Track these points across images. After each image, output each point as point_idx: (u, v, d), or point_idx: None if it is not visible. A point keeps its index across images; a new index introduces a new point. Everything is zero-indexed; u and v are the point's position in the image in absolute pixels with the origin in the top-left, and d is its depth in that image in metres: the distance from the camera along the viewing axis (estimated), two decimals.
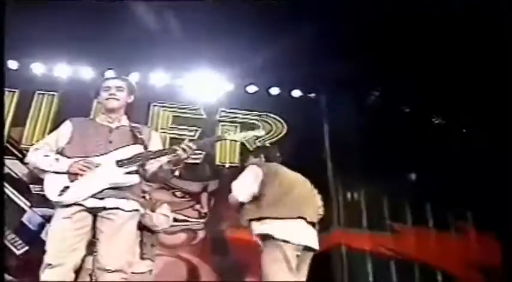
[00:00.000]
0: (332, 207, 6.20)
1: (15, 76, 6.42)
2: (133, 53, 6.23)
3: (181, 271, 6.10)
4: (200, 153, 6.77)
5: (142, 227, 4.15)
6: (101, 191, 2.88)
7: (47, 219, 5.58)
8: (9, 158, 6.18)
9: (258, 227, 3.73)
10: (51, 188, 2.89)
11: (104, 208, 2.87)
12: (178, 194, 6.43)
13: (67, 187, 2.85)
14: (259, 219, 3.72)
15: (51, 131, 6.19)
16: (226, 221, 6.30)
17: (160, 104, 6.94)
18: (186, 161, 2.97)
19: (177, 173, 2.98)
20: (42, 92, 6.76)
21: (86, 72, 6.78)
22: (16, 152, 6.28)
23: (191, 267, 6.16)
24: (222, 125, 7.00)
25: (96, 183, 2.88)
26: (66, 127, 3.06)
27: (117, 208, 2.89)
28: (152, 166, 2.99)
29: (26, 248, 5.78)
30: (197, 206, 6.42)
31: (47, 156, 2.95)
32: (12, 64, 6.59)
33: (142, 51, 6.11)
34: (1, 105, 3.82)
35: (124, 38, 5.78)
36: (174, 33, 5.67)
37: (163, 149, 3.02)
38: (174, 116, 6.94)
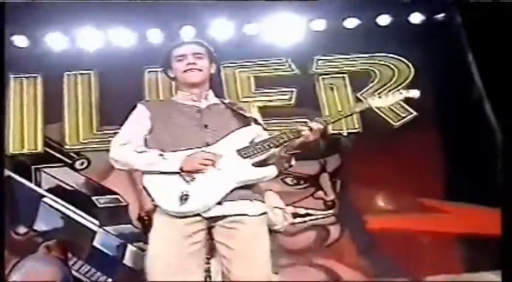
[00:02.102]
0: None
1: (29, 56, 5.52)
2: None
3: None
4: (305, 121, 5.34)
5: None
6: (229, 194, 2.48)
7: (126, 238, 5.00)
8: (54, 166, 5.41)
9: None
10: (165, 195, 2.47)
11: (224, 216, 2.47)
12: (289, 180, 5.38)
13: (186, 195, 2.44)
14: None
15: (102, 122, 5.43)
16: (362, 208, 5.27)
17: (232, 63, 5.75)
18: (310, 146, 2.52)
19: (293, 162, 2.60)
20: (73, 72, 5.71)
21: (124, 36, 5.61)
22: (62, 157, 5.45)
23: (332, 277, 5.10)
24: (324, 79, 5.73)
25: (223, 184, 2.48)
26: (142, 113, 2.68)
27: (244, 214, 2.49)
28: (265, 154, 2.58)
29: (109, 280, 4.94)
30: (319, 193, 5.40)
31: (143, 152, 2.56)
32: (19, 40, 5.51)
33: None
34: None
35: None
36: None
37: (289, 132, 2.55)
38: (255, 76, 5.75)
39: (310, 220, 5.30)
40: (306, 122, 5.42)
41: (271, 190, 3.85)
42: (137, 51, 5.48)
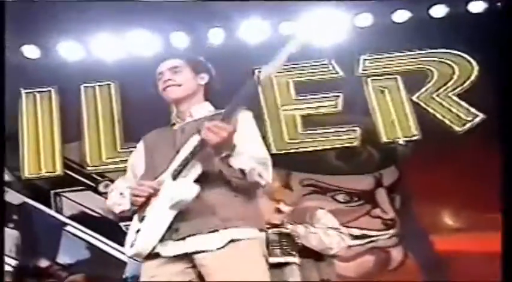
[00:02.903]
0: None
1: (41, 68, 5.25)
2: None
3: None
4: (355, 129, 5.12)
5: (305, 255, 3.40)
6: (174, 226, 2.29)
7: None
8: (75, 190, 5.12)
9: None
10: (128, 235, 2.42)
11: (186, 254, 2.29)
12: (340, 197, 5.01)
13: (138, 230, 2.37)
14: None
15: (126, 139, 5.09)
16: (428, 227, 4.82)
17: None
18: (222, 142, 2.20)
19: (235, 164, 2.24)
20: (91, 84, 5.39)
21: (146, 41, 5.26)
22: (84, 179, 5.14)
23: None
24: (374, 81, 5.28)
25: (163, 215, 2.32)
26: (138, 151, 2.62)
27: (204, 251, 2.27)
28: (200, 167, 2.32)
29: None
30: (376, 211, 4.99)
31: (121, 194, 2.49)
32: (29, 51, 5.26)
33: None
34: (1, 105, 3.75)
35: None
36: None
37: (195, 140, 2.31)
38: (295, 81, 5.33)
39: (368, 242, 4.90)
40: (354, 130, 5.11)
41: (322, 208, 3.63)
42: (160, 57, 5.06)
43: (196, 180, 2.28)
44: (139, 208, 2.36)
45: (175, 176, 2.33)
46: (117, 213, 2.49)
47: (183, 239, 2.31)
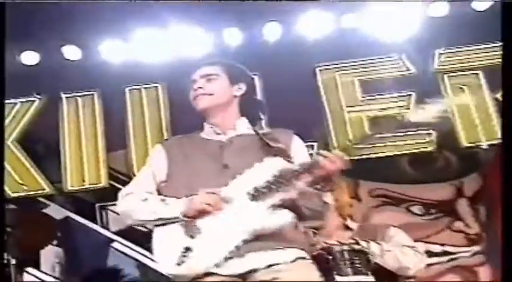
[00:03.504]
0: None
1: (82, 69, 5.00)
2: None
3: None
4: (430, 133, 4.75)
5: (380, 274, 3.35)
6: (242, 246, 2.23)
7: None
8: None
9: None
10: (165, 252, 2.27)
11: (254, 270, 2.23)
12: (416, 209, 4.73)
13: (188, 248, 2.23)
14: None
15: None
16: None
17: (330, 65, 5.02)
18: (335, 174, 2.26)
19: (329, 199, 2.67)
20: (136, 87, 5.12)
21: (195, 38, 4.95)
22: None
23: None
24: (451, 78, 4.87)
25: (229, 236, 2.24)
26: (159, 156, 2.51)
27: (277, 264, 2.24)
28: (287, 193, 2.29)
29: None
30: (458, 225, 4.72)
31: (146, 199, 2.38)
32: (70, 52, 5.00)
33: None
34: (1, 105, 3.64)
35: None
36: None
37: (303, 164, 2.29)
38: (361, 79, 4.98)
39: (449, 260, 4.56)
40: (430, 133, 4.74)
41: (394, 226, 3.62)
42: (212, 56, 4.75)
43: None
44: (188, 221, 2.26)
45: (255, 198, 2.26)
46: (140, 220, 2.41)
47: (243, 256, 2.24)
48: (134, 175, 4.84)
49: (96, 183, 4.83)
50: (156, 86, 5.04)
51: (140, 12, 4.79)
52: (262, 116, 2.62)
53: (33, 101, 4.92)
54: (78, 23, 4.69)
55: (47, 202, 4.78)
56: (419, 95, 4.80)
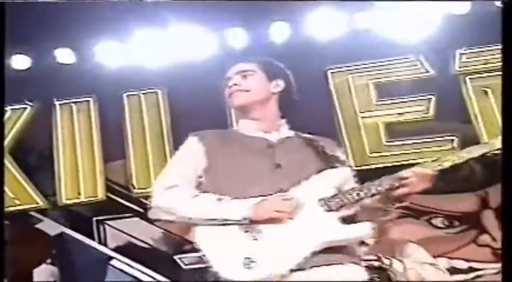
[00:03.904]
0: None
1: (77, 74, 4.83)
2: None
3: None
4: (452, 139, 4.48)
5: None
6: (311, 258, 2.16)
7: None
8: (121, 217, 4.75)
9: None
10: (224, 255, 2.16)
11: None
12: (438, 221, 4.47)
13: (251, 257, 2.11)
14: None
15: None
16: None
17: (343, 67, 4.78)
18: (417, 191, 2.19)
19: (393, 216, 2.25)
20: (134, 92, 4.96)
21: (196, 39, 4.74)
22: (131, 204, 4.78)
23: None
24: (473, 80, 4.61)
25: (301, 244, 2.16)
26: (195, 148, 2.39)
27: None
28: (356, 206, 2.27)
29: None
30: (483, 238, 4.39)
31: (196, 196, 2.26)
32: (64, 55, 4.83)
33: None
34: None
35: None
36: None
37: (386, 178, 2.23)
38: (376, 82, 4.74)
39: (476, 277, 4.32)
40: (451, 140, 4.54)
41: (412, 241, 3.68)
42: (213, 59, 4.65)
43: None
44: (251, 225, 2.20)
45: (329, 207, 2.21)
46: (188, 217, 2.28)
47: (311, 268, 2.17)
48: (134, 187, 4.74)
49: (93, 196, 4.67)
50: (156, 91, 4.84)
51: (138, 11, 4.62)
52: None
53: (25, 108, 4.75)
54: (71, 23, 4.49)
55: (41, 217, 4.60)
56: (440, 99, 4.58)
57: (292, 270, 2.15)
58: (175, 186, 2.34)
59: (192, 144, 2.43)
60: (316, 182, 2.30)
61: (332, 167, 2.34)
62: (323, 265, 2.18)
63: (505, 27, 2.64)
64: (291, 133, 2.47)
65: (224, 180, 2.32)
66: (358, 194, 2.22)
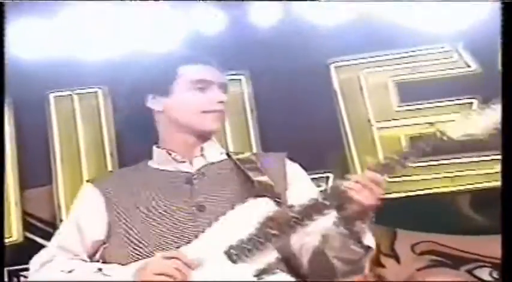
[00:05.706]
0: None
1: None
2: None
3: None
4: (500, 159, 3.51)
5: None
6: None
7: None
8: None
9: None
10: None
11: None
12: (484, 273, 3.79)
13: None
14: None
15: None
16: None
17: (353, 60, 4.02)
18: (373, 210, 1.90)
19: (370, 241, 1.96)
20: (66, 93, 4.17)
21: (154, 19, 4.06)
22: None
23: None
24: None
25: None
26: (92, 202, 2.22)
27: None
28: (299, 241, 2.10)
29: None
30: None
31: (70, 271, 2.12)
32: None
33: None
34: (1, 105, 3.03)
35: None
36: None
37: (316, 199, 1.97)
38: (397, 81, 3.94)
39: None
40: (500, 159, 3.72)
41: None
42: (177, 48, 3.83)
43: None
44: None
45: (236, 258, 2.02)
46: None
47: None
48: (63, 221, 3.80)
49: (6, 237, 3.68)
50: (96, 91, 3.99)
51: None
52: None
53: None
54: None
55: None
56: (484, 103, 3.70)
57: None
58: (49, 261, 2.21)
59: (89, 197, 2.27)
60: (228, 223, 2.11)
61: (253, 197, 2.13)
62: None
63: (505, 27, 2.40)
64: (217, 154, 2.28)
65: (132, 242, 2.13)
66: (270, 234, 2.00)
